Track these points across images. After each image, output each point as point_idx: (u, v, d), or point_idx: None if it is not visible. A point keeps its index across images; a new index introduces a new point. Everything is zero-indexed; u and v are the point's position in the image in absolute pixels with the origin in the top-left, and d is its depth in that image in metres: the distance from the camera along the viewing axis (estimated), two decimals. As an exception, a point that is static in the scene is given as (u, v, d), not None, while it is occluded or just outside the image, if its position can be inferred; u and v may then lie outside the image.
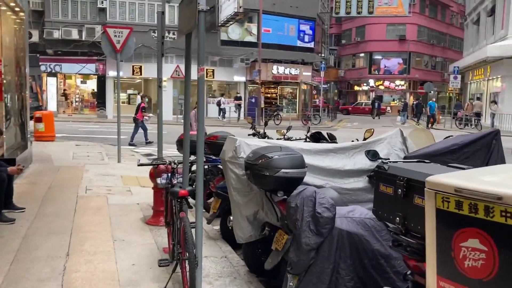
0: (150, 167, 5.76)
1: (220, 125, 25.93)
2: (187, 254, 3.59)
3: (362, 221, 3.58)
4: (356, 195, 4.52)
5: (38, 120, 14.30)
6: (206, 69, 29.86)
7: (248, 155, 4.03)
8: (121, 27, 11.32)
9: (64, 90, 29.60)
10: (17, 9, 9.11)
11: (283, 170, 3.69)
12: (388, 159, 4.26)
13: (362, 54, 52.23)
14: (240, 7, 22.61)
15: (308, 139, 6.29)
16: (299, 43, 31.17)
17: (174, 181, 4.62)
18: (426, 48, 52.49)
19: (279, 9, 29.86)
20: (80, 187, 7.98)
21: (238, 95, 29.48)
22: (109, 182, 8.54)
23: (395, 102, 51.56)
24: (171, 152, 11.04)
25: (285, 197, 3.79)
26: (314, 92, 35.88)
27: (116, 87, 10.78)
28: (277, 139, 6.38)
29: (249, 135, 7.95)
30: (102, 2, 27.05)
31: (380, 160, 4.01)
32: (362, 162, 4.60)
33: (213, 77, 30.10)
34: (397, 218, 2.76)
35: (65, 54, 27.32)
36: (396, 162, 3.37)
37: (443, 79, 55.25)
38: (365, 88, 52.62)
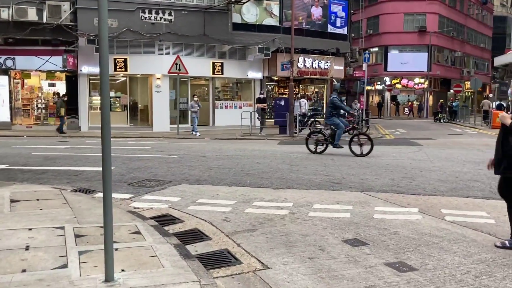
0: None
1: (235, 137, 18.68)
2: None
3: None
4: None
5: None
6: (213, 63, 22.62)
7: None
8: None
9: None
10: None
11: None
12: None
13: (375, 49, 45.70)
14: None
15: None
16: (330, 29, 24.21)
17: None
18: (447, 42, 46.36)
19: (306, -17, 22.88)
20: None
21: (262, 96, 21.68)
22: None
23: (414, 102, 45.33)
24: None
25: None
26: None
27: (100, 81, 3.39)
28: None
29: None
30: (71, -30, 19.66)
31: None
32: None
33: (222, 73, 22.80)
34: None
35: (19, 43, 19.86)
36: None
37: (462, 77, 49.29)
38: (379, 87, 46.11)
